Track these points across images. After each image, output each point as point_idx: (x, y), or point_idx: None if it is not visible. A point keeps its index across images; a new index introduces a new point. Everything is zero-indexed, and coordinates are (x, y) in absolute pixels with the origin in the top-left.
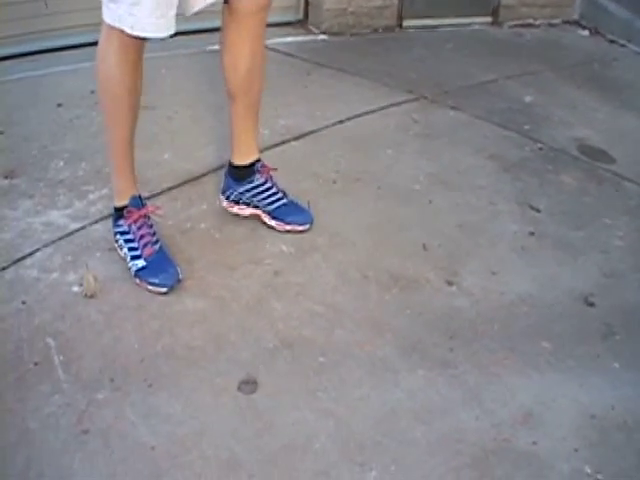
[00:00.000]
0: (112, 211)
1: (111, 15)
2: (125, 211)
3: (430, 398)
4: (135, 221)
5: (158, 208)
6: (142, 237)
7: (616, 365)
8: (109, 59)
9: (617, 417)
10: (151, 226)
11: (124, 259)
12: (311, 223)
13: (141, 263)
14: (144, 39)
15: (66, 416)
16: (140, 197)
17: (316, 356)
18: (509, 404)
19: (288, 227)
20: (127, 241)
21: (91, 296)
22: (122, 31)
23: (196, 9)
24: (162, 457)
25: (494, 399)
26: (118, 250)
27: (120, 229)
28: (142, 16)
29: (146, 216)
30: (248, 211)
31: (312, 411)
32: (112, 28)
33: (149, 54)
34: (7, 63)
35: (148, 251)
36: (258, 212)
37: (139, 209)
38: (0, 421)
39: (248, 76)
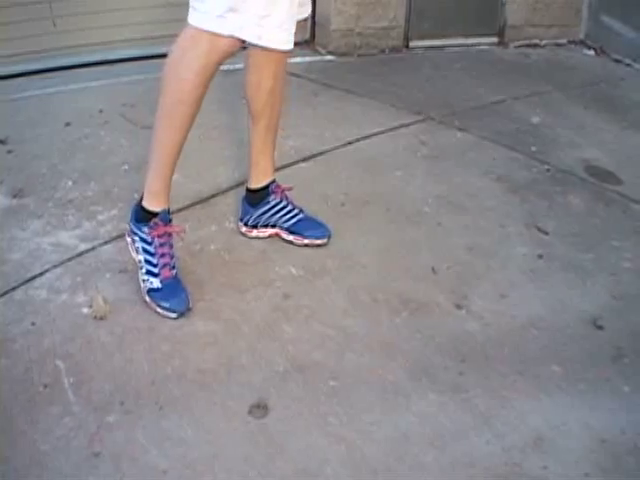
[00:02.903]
0: (128, 220)
1: (226, 25)
2: (152, 222)
3: (441, 422)
4: (160, 236)
5: (183, 230)
6: (163, 256)
7: (626, 389)
8: (191, 63)
9: (628, 441)
10: (172, 247)
11: (136, 264)
12: (329, 237)
13: (156, 283)
14: (242, 47)
15: (77, 439)
16: (169, 212)
17: (327, 380)
18: (520, 428)
19: (306, 241)
20: (146, 251)
21: (101, 318)
22: (217, 38)
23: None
24: None
25: (505, 423)
26: (132, 251)
27: (142, 235)
28: (270, 27)
29: (170, 234)
30: (267, 232)
31: (324, 436)
32: (201, 33)
33: (159, 74)
34: (16, 81)
35: (166, 274)
36: (276, 230)
37: (165, 225)
38: (11, 443)
39: (271, 95)
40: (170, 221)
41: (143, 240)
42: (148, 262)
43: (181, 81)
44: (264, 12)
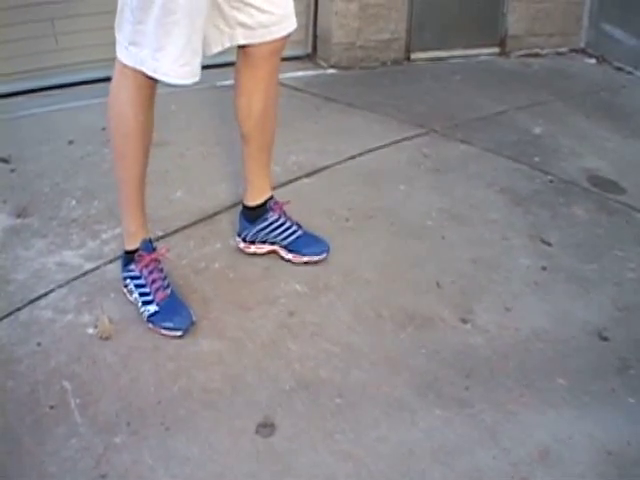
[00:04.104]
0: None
1: (130, 57)
2: (136, 255)
3: (447, 438)
4: (147, 265)
5: (168, 250)
6: (154, 282)
7: (631, 400)
8: (123, 97)
9: (633, 453)
10: (161, 270)
11: (134, 304)
12: (328, 252)
13: (153, 308)
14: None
15: (84, 460)
16: (151, 240)
17: (333, 397)
18: (526, 442)
19: (305, 259)
20: (138, 286)
21: (106, 338)
22: (137, 71)
23: (215, 51)
24: None
25: (511, 437)
26: (127, 295)
27: (131, 274)
28: (166, 62)
29: (156, 260)
30: (265, 248)
31: (330, 453)
32: (125, 67)
33: (159, 90)
34: (18, 99)
35: (160, 296)
36: (275, 247)
37: (150, 253)
38: (18, 464)
39: (262, 118)
40: (154, 249)
41: (133, 278)
42: (142, 294)
43: (120, 115)
44: (158, 45)
